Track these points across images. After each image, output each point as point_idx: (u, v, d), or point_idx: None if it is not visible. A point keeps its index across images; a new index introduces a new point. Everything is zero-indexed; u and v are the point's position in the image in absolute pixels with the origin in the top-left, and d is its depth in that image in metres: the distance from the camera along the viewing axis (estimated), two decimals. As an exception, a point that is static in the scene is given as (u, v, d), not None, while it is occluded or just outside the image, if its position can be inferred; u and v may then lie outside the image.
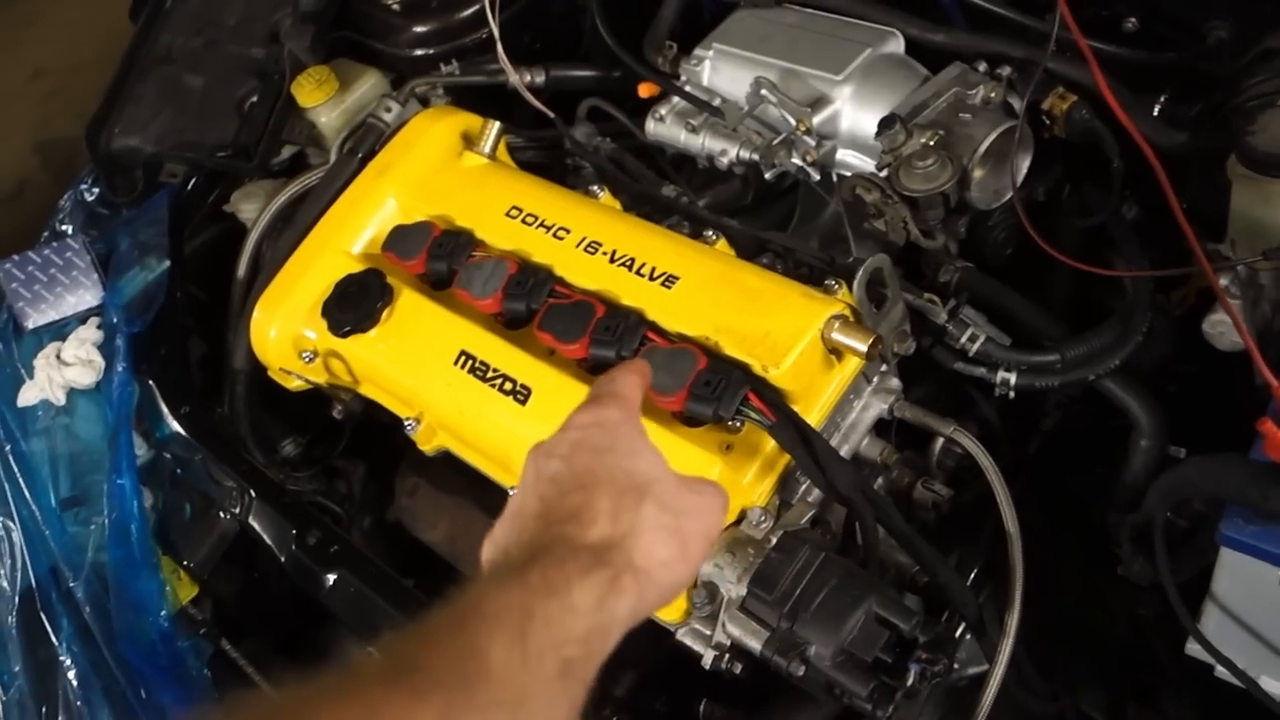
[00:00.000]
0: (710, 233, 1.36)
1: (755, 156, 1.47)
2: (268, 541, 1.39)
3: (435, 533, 1.55)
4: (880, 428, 1.30)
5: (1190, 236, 1.04)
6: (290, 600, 1.62)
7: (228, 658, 1.44)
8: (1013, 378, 1.30)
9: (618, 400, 0.87)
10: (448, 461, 1.41)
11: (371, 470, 1.74)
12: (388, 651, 0.67)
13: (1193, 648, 1.14)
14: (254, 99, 1.76)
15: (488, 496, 1.42)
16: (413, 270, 1.43)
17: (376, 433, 1.60)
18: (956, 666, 1.18)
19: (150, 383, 1.57)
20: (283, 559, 1.35)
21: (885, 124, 1.31)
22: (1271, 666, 1.09)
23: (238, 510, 1.43)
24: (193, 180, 1.80)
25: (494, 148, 1.54)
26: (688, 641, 1.16)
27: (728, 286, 1.26)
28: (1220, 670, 1.12)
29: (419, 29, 1.79)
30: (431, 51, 1.79)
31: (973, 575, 1.31)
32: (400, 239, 1.44)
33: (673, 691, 1.51)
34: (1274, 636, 1.06)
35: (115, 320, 1.62)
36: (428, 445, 1.38)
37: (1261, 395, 1.14)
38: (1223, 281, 1.18)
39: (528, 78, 1.70)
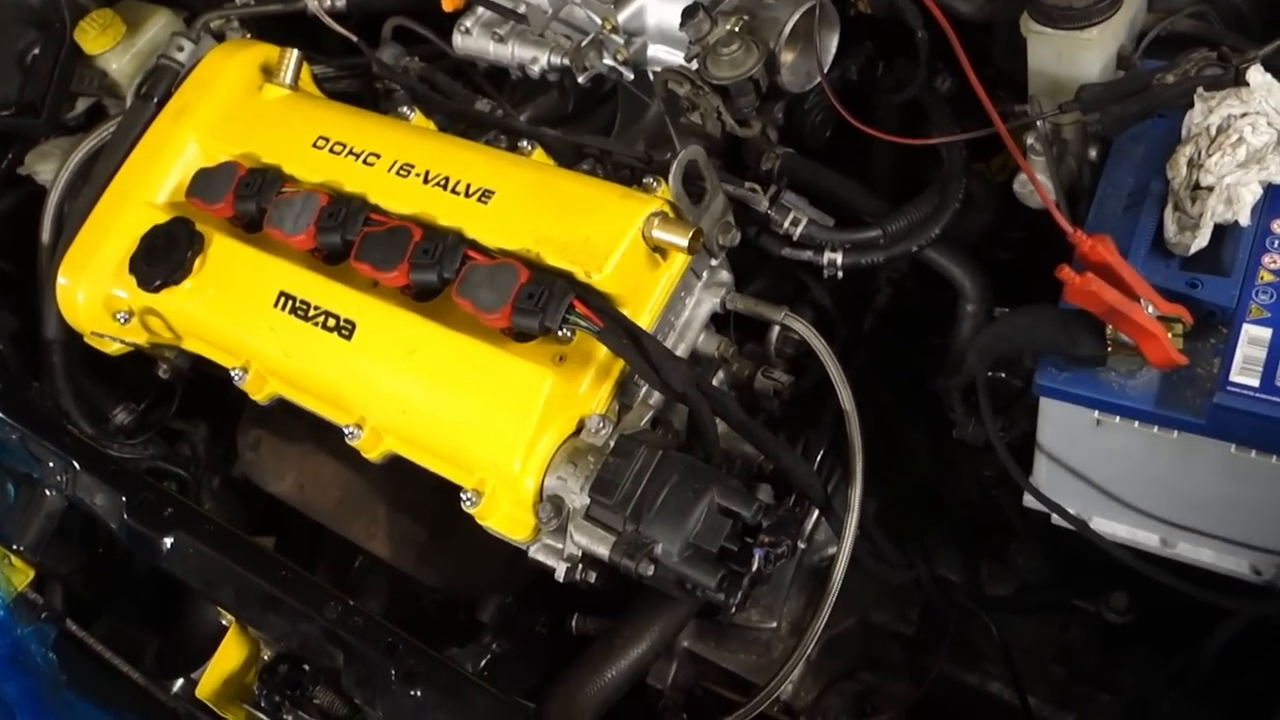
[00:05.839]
0: (525, 144, 1.33)
1: (566, 61, 1.43)
2: (99, 513, 1.32)
3: (283, 484, 1.50)
4: (718, 323, 1.30)
5: (981, 94, 1.04)
6: (143, 572, 1.57)
7: (76, 639, 1.38)
8: (839, 257, 1.31)
9: None
10: (287, 409, 1.36)
11: (214, 429, 1.68)
12: None
13: (1030, 499, 1.17)
14: (35, 51, 1.65)
15: (331, 440, 1.38)
16: (221, 214, 1.36)
17: (214, 389, 1.54)
18: (803, 547, 1.20)
19: (-45, 365, 1.47)
20: (114, 528, 1.29)
21: (688, 13, 1.29)
22: (1100, 506, 1.13)
23: (63, 485, 1.35)
24: (-21, 144, 1.69)
25: (295, 78, 1.47)
26: (540, 558, 1.14)
27: (545, 196, 1.23)
28: (1057, 517, 1.15)
29: (206, -41, 1.69)
30: (221, -17, 1.69)
31: (820, 456, 1.32)
32: (205, 183, 1.37)
33: (549, 610, 1.51)
34: (1097, 477, 1.10)
35: (-93, 303, 1.51)
36: (259, 394, 1.33)
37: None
38: (1028, 140, 1.19)
39: (327, 2, 1.62)
